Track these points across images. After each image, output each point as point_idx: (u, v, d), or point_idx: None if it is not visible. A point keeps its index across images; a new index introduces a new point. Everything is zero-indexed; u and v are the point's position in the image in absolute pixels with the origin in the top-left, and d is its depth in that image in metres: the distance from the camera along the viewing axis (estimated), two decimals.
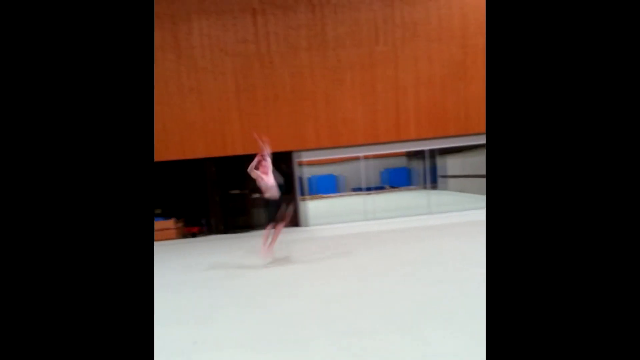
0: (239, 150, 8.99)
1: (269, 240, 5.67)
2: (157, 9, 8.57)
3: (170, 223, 9.30)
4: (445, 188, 16.60)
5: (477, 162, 12.74)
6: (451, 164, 15.84)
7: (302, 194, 10.09)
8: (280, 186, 5.74)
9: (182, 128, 9.02)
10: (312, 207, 13.88)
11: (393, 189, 19.77)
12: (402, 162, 20.92)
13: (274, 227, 5.67)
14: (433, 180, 17.01)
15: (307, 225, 9.74)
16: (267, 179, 5.53)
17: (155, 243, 8.89)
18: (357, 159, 10.25)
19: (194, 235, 9.50)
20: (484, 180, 11.26)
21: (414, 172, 20.07)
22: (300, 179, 10.17)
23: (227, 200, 9.81)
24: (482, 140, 9.51)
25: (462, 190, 14.73)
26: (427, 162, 16.46)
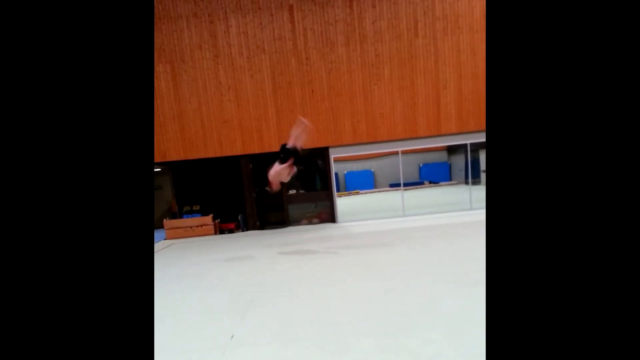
0: (275, 147, 9.02)
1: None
2: (195, 8, 8.73)
3: (208, 219, 9.53)
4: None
5: None
6: None
7: (338, 189, 10.00)
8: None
9: (220, 126, 9.17)
10: (349, 203, 13.80)
11: (432, 185, 19.31)
12: (441, 156, 20.33)
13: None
14: (474, 176, 16.45)
15: (342, 221, 9.67)
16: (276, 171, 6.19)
17: (195, 239, 9.23)
18: (395, 154, 10.03)
19: (230, 231, 9.67)
20: None
21: (455, 167, 19.49)
22: (337, 174, 10.10)
23: (262, 197, 9.90)
24: None
25: None
26: (468, 157, 15.91)
